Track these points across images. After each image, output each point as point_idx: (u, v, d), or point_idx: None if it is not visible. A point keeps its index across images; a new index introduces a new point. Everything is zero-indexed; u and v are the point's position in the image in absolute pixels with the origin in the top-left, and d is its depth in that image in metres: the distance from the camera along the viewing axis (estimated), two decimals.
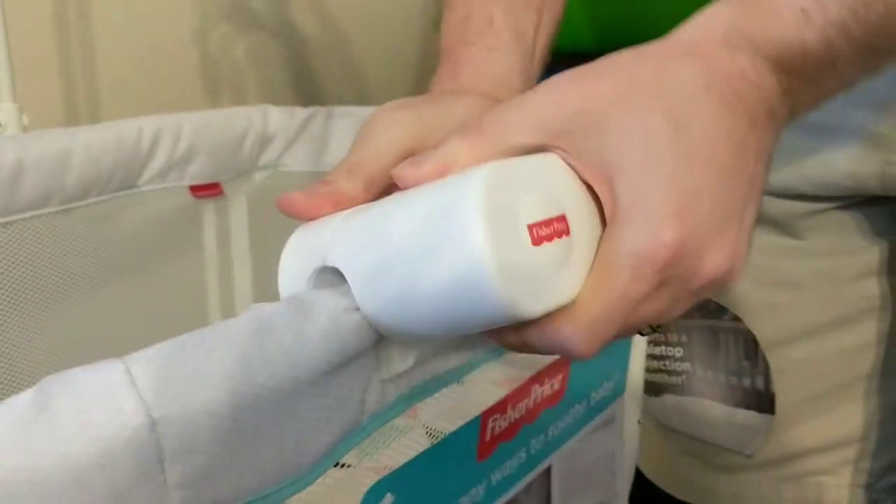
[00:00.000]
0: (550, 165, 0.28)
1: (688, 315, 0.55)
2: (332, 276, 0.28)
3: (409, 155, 0.32)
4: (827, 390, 0.53)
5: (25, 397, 0.19)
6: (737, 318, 0.53)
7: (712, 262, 0.27)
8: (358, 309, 0.27)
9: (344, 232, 0.29)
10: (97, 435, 0.20)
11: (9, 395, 0.50)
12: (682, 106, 0.27)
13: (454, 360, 0.31)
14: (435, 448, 0.32)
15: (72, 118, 0.91)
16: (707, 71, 0.28)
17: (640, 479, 0.61)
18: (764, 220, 0.52)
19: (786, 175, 0.51)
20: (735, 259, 0.28)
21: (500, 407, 0.35)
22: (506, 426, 0.36)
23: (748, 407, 0.54)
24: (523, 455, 0.38)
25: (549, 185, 0.27)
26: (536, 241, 0.26)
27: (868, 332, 0.53)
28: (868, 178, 0.49)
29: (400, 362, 0.29)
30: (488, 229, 0.24)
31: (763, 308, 0.54)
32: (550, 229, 0.26)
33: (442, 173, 0.28)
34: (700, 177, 0.27)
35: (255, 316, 0.25)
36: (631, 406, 0.50)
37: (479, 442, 0.35)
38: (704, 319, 0.54)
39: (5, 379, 0.55)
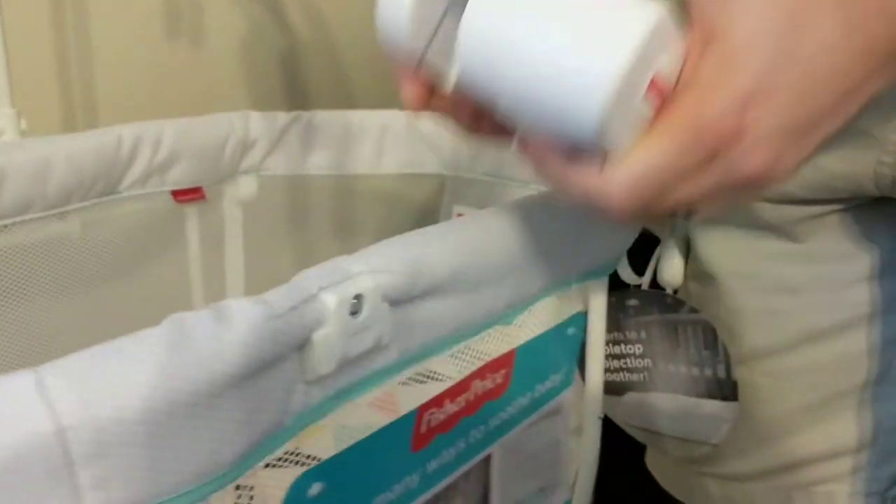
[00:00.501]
0: (670, 22, 0.30)
1: (645, 311, 0.57)
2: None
3: None
4: (830, 396, 0.53)
5: None
6: (694, 310, 0.54)
7: (763, 158, 0.28)
8: (280, 315, 0.28)
9: None
10: (8, 442, 0.21)
11: None
12: (805, 12, 0.28)
13: (378, 364, 0.33)
14: (367, 440, 0.34)
15: (69, 123, 0.93)
16: None
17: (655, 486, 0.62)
18: (762, 225, 0.52)
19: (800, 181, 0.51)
20: (781, 167, 0.29)
21: (436, 401, 0.37)
22: (443, 419, 0.38)
23: (711, 396, 0.55)
24: (462, 445, 0.40)
25: (673, 42, 0.29)
26: (647, 95, 0.29)
27: (871, 337, 0.52)
28: (861, 178, 0.49)
29: (324, 365, 0.30)
30: (629, 65, 0.27)
31: (764, 315, 0.53)
32: (657, 90, 0.29)
33: None
34: (792, 79, 0.28)
35: (174, 324, 0.26)
36: (592, 402, 0.51)
37: (413, 434, 0.36)
38: (662, 314, 0.55)
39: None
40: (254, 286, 0.76)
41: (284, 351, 0.28)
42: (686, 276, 0.56)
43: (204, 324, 0.26)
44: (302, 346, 0.29)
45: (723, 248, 0.54)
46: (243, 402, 0.27)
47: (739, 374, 0.54)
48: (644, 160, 0.28)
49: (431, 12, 0.34)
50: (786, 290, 0.53)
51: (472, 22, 0.30)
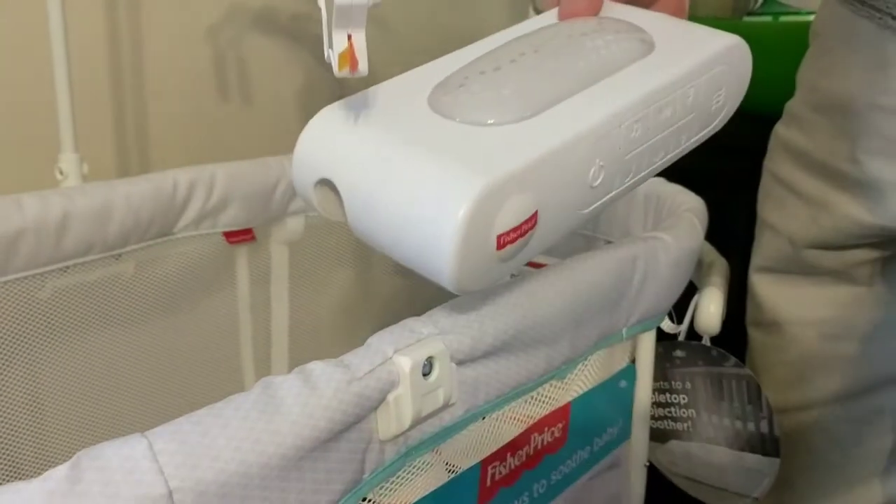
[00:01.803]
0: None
1: (690, 363, 0.57)
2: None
3: None
4: None
5: (60, 472, 0.22)
6: (739, 364, 0.55)
7: None
8: (360, 379, 0.30)
9: (350, 157, 0.34)
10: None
11: (47, 431, 0.54)
12: None
13: (446, 420, 0.34)
14: (436, 492, 0.35)
15: (124, 167, 0.96)
16: None
17: None
18: (825, 272, 0.52)
19: (830, 227, 0.51)
20: None
21: (499, 455, 0.38)
22: (506, 472, 0.39)
23: (753, 451, 0.55)
24: (525, 499, 0.41)
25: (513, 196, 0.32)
26: (500, 247, 0.31)
27: None
28: None
29: (399, 425, 0.31)
30: (462, 244, 0.30)
31: (834, 360, 0.54)
32: (517, 233, 0.32)
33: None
34: None
35: (265, 390, 0.28)
36: (637, 450, 0.52)
37: (479, 487, 0.37)
38: (708, 366, 0.56)
39: (53, 411, 0.59)
40: (298, 323, 0.78)
41: (363, 412, 0.30)
42: (748, 325, 0.57)
43: (292, 388, 0.28)
44: (377, 406, 0.31)
45: (788, 296, 0.54)
46: (325, 462, 0.29)
47: (813, 417, 0.54)
48: None
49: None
50: (854, 336, 0.53)
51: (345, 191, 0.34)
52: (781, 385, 0.58)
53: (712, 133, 0.42)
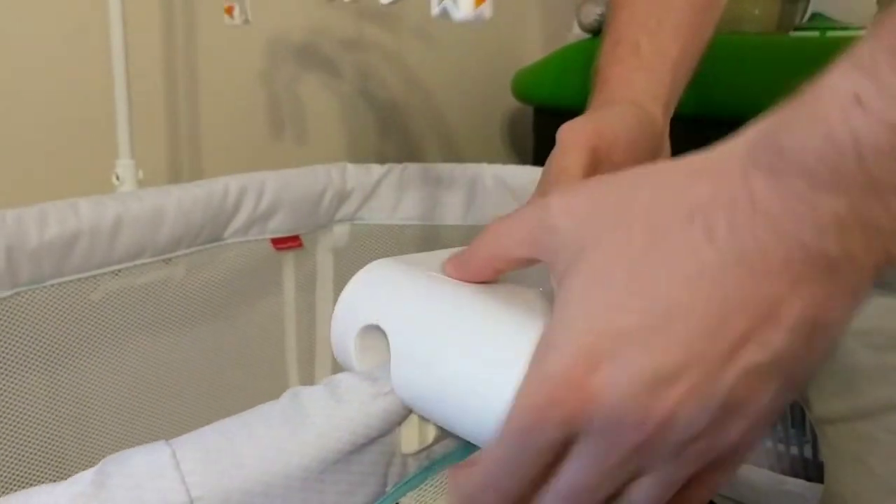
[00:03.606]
0: None
1: None
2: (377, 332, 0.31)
3: (594, 163, 0.37)
4: None
5: (87, 476, 0.23)
6: None
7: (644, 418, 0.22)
8: (387, 394, 0.30)
9: (404, 308, 0.31)
10: None
11: (92, 428, 0.55)
12: (646, 236, 0.23)
13: None
14: None
15: (176, 174, 0.99)
16: (698, 195, 0.23)
17: None
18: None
19: None
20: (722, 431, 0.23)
21: None
22: None
23: (796, 475, 0.54)
24: None
25: None
26: None
27: None
28: None
29: (422, 439, 0.32)
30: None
31: (881, 371, 0.53)
32: None
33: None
34: (635, 321, 0.23)
35: (293, 399, 0.28)
36: None
37: None
38: None
39: (99, 409, 0.61)
40: None
41: (388, 427, 0.30)
42: None
43: (319, 400, 0.28)
44: (402, 421, 0.31)
45: None
46: (348, 474, 0.29)
47: (861, 428, 0.53)
48: (482, 466, 0.26)
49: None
50: None
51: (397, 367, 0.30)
52: (827, 395, 0.57)
53: None
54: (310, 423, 0.28)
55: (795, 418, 0.54)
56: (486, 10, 0.31)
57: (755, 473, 0.56)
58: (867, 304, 0.23)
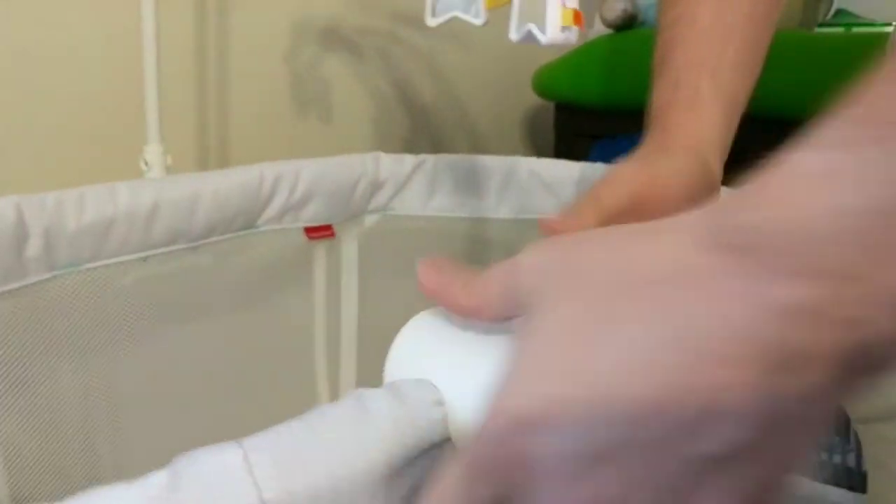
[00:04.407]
0: None
1: None
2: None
3: (636, 208, 0.39)
4: None
5: (161, 479, 0.23)
6: None
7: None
8: (442, 403, 0.29)
9: (462, 368, 0.31)
10: None
11: (121, 413, 0.55)
12: (598, 306, 0.22)
13: None
14: None
15: (203, 160, 0.98)
16: (653, 267, 0.22)
17: None
18: None
19: None
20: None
21: None
22: None
23: (838, 484, 0.53)
24: None
25: None
26: None
27: None
28: None
29: None
30: None
31: None
32: None
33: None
34: (572, 393, 0.22)
35: (356, 401, 0.28)
36: None
37: None
38: None
39: (128, 394, 0.61)
40: (367, 321, 0.78)
41: (443, 437, 0.30)
42: None
43: (382, 405, 0.28)
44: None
45: None
46: (412, 478, 0.29)
47: (889, 430, 0.52)
48: None
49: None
50: None
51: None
52: (865, 393, 0.56)
53: None
54: (373, 425, 0.27)
55: (840, 426, 0.53)
56: (573, 34, 0.31)
57: (797, 482, 0.55)
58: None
